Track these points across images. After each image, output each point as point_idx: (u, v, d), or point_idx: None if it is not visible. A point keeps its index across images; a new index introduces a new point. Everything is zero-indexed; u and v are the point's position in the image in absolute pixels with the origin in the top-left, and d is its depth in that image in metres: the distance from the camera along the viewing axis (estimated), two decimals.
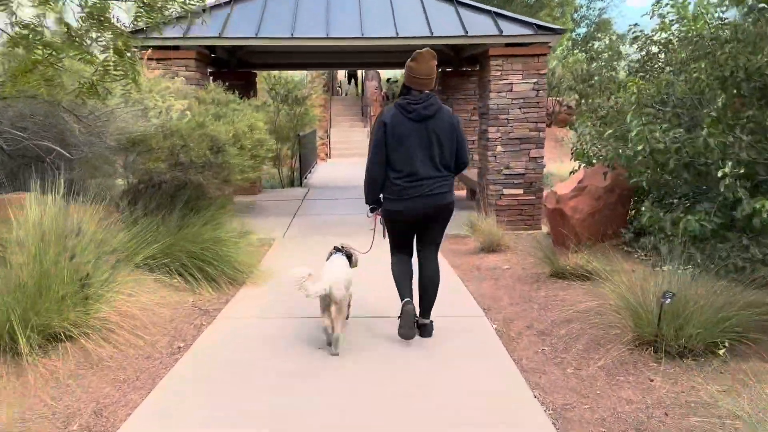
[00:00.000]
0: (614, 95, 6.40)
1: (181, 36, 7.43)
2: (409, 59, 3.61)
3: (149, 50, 7.47)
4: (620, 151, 4.69)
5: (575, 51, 24.17)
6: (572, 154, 7.00)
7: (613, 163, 5.39)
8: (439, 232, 3.86)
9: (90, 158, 4.95)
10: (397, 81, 25.51)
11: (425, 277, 3.87)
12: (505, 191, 8.01)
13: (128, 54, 3.68)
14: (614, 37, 23.13)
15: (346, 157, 20.66)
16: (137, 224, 5.02)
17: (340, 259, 4.02)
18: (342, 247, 4.18)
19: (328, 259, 4.09)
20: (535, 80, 7.84)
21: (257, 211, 9.68)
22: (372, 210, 3.87)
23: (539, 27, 7.78)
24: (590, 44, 23.64)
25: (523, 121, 7.90)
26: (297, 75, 13.82)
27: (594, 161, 6.51)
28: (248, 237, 7.21)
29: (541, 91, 7.86)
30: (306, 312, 4.36)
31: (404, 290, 3.85)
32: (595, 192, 6.09)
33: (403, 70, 3.72)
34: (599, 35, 23.87)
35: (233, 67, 11.03)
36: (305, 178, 13.61)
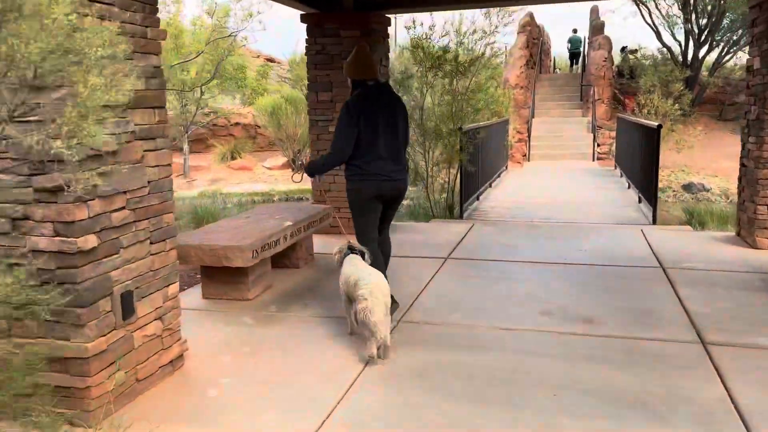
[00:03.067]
0: None
1: None
2: (346, 60, 3.88)
3: None
4: None
5: None
6: None
7: None
8: (394, 211, 4.07)
9: None
10: (636, 50, 18.19)
11: (384, 254, 3.99)
12: None
13: None
14: None
15: (552, 160, 14.52)
16: None
17: (361, 261, 3.58)
18: (354, 247, 3.71)
19: (343, 260, 3.65)
20: None
21: (312, 301, 4.32)
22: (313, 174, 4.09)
23: None
24: None
25: None
26: (466, 20, 8.13)
27: None
28: None
29: None
30: None
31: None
32: None
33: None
34: None
35: (347, 8, 6.41)
36: (471, 201, 8.00)
